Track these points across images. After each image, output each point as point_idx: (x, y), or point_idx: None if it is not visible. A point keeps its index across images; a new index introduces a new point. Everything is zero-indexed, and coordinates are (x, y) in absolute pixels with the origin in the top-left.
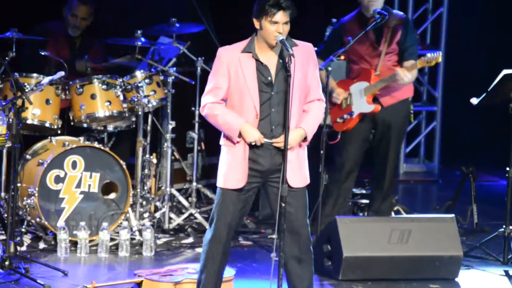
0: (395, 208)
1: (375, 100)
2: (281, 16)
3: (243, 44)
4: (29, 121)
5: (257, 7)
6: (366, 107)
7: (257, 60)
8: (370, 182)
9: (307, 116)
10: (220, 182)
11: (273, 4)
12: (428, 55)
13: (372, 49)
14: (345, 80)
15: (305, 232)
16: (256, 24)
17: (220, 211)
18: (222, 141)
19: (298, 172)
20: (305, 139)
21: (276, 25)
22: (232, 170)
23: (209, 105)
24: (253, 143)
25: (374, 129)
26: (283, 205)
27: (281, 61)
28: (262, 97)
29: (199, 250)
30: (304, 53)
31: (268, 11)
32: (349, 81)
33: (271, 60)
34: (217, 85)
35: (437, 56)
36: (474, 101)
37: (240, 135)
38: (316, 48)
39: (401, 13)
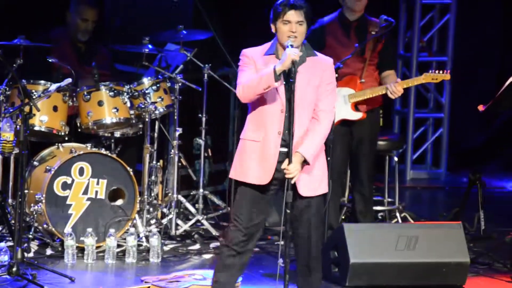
0: (402, 215)
1: (355, 107)
2: (293, 15)
3: (264, 47)
4: (36, 128)
5: (271, 11)
6: (351, 114)
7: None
8: (352, 187)
9: (306, 137)
10: (240, 176)
11: (284, 3)
12: (437, 72)
13: (356, 55)
14: None
15: (313, 241)
16: (273, 28)
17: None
18: (247, 134)
19: (308, 180)
20: (306, 161)
21: (289, 24)
22: (257, 165)
23: (241, 84)
24: (294, 57)
25: (351, 134)
26: (288, 211)
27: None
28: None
29: (206, 256)
30: (318, 65)
31: (280, 10)
32: None
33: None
34: (249, 75)
35: (445, 75)
36: (481, 108)
37: (277, 78)
38: None
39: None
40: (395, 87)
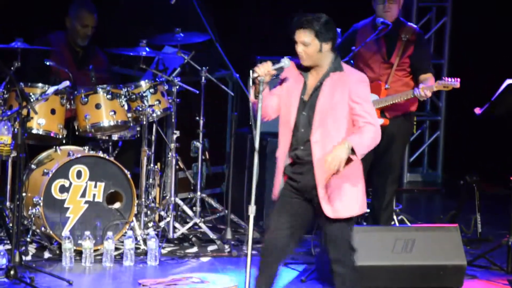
0: (399, 217)
1: (381, 113)
2: (299, 35)
3: None
4: (34, 131)
5: None
6: None
7: (304, 78)
8: (372, 192)
9: (353, 134)
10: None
11: (295, 20)
12: (448, 80)
13: (382, 61)
14: None
15: (346, 268)
16: None
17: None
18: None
19: (336, 200)
20: (353, 152)
21: (297, 44)
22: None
23: None
24: (257, 76)
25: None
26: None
27: (318, 83)
28: (298, 115)
29: (203, 259)
30: (342, 80)
31: (292, 28)
32: None
33: (312, 80)
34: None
35: (455, 84)
36: (478, 110)
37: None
38: None
39: (415, 26)
40: (422, 90)
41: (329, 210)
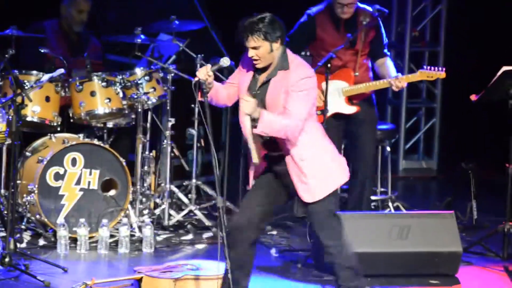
0: (395, 204)
1: (349, 99)
2: (248, 42)
3: None
4: (28, 118)
5: None
6: (345, 108)
7: (255, 71)
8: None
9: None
10: None
11: (240, 29)
12: (432, 70)
13: (346, 48)
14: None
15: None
16: None
17: None
18: None
19: (309, 183)
20: (257, 122)
21: (250, 50)
22: None
23: None
24: (199, 80)
25: (346, 126)
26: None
27: (266, 79)
28: None
29: (198, 246)
30: (286, 78)
31: (240, 37)
32: (319, 76)
33: (263, 74)
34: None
35: (440, 73)
36: (474, 97)
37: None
38: None
39: (371, 9)
40: (399, 82)
41: (306, 197)
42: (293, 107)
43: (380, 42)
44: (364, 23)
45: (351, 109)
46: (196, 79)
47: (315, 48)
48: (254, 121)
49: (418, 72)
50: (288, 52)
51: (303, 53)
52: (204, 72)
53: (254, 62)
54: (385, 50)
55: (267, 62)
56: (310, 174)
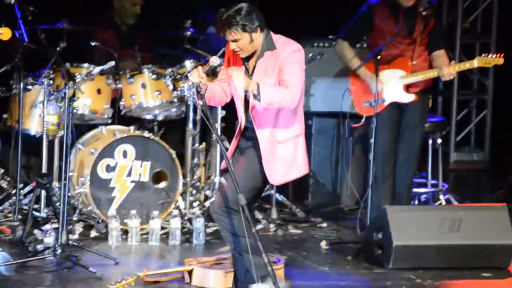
0: (446, 197)
1: (406, 88)
2: (227, 36)
3: None
4: (80, 111)
5: None
6: (403, 96)
7: (244, 61)
8: (397, 167)
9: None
10: None
11: (217, 24)
12: (490, 56)
13: (404, 37)
14: (368, 64)
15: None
16: None
17: None
18: None
19: (274, 166)
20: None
21: (230, 43)
22: None
23: None
24: (192, 83)
25: (399, 116)
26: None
27: (254, 63)
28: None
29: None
30: (274, 57)
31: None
32: (374, 65)
33: (251, 61)
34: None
35: (498, 59)
36: None
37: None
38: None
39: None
40: (448, 69)
41: (271, 178)
42: (289, 78)
43: (438, 33)
44: (424, 13)
45: (409, 97)
46: (190, 82)
47: (373, 39)
48: (255, 96)
49: (476, 58)
50: (271, 33)
51: (358, 45)
52: (197, 75)
53: (237, 53)
54: (443, 42)
55: (250, 51)
56: (280, 157)
